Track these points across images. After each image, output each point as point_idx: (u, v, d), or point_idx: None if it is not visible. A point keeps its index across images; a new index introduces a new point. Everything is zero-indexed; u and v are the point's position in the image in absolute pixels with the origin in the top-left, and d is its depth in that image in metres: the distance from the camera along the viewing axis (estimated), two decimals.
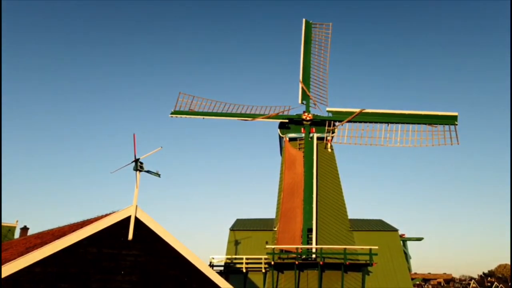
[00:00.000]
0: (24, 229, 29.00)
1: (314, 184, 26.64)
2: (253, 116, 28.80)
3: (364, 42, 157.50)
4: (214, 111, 29.20)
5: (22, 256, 9.76)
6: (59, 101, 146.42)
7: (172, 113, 28.85)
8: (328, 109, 29.10)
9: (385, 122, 28.25)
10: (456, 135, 27.49)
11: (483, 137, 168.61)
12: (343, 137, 28.42)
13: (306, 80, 30.49)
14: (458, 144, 27.36)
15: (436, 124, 27.85)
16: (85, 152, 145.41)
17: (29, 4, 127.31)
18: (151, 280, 11.80)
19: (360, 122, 28.50)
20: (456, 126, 27.62)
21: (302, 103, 29.81)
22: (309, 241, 25.00)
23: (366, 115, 28.51)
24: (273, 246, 24.59)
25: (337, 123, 28.64)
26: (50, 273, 10.04)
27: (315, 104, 29.65)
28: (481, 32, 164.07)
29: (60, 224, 14.94)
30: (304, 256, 24.35)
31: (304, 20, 32.49)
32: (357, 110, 28.50)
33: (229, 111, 29.20)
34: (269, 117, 28.73)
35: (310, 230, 25.20)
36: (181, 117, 29.00)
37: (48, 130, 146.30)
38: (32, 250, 10.09)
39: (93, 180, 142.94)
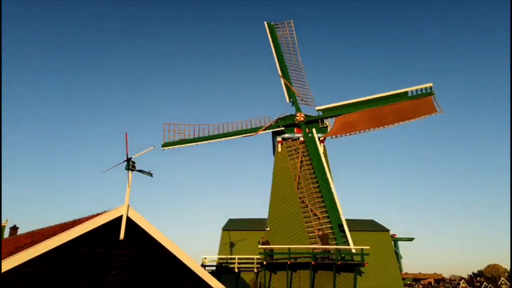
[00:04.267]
0: (14, 229, 28.60)
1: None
2: (255, 130, 28.55)
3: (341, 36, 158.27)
4: (205, 135, 28.36)
5: (12, 256, 9.64)
6: (51, 100, 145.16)
7: (163, 146, 27.62)
8: (317, 108, 29.30)
9: (372, 107, 28.89)
10: (437, 104, 28.79)
11: (476, 138, 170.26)
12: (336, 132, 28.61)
13: (286, 77, 30.71)
14: (442, 112, 28.66)
15: (417, 97, 29.11)
16: (76, 151, 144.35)
17: (26, 4, 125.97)
18: (143, 280, 11.74)
19: (349, 113, 28.84)
20: (434, 96, 28.97)
21: (290, 101, 29.97)
22: None
23: (353, 105, 29.27)
24: (265, 246, 24.57)
25: (327, 120, 29.00)
26: (40, 273, 9.94)
27: (302, 100, 29.78)
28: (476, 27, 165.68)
29: (51, 224, 14.80)
30: (296, 256, 24.38)
31: (265, 23, 32.50)
32: (344, 102, 29.28)
33: (221, 132, 28.45)
34: (269, 127, 28.77)
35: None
36: (173, 148, 27.57)
37: (40, 129, 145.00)
38: (22, 250, 9.98)
39: (85, 179, 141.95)
